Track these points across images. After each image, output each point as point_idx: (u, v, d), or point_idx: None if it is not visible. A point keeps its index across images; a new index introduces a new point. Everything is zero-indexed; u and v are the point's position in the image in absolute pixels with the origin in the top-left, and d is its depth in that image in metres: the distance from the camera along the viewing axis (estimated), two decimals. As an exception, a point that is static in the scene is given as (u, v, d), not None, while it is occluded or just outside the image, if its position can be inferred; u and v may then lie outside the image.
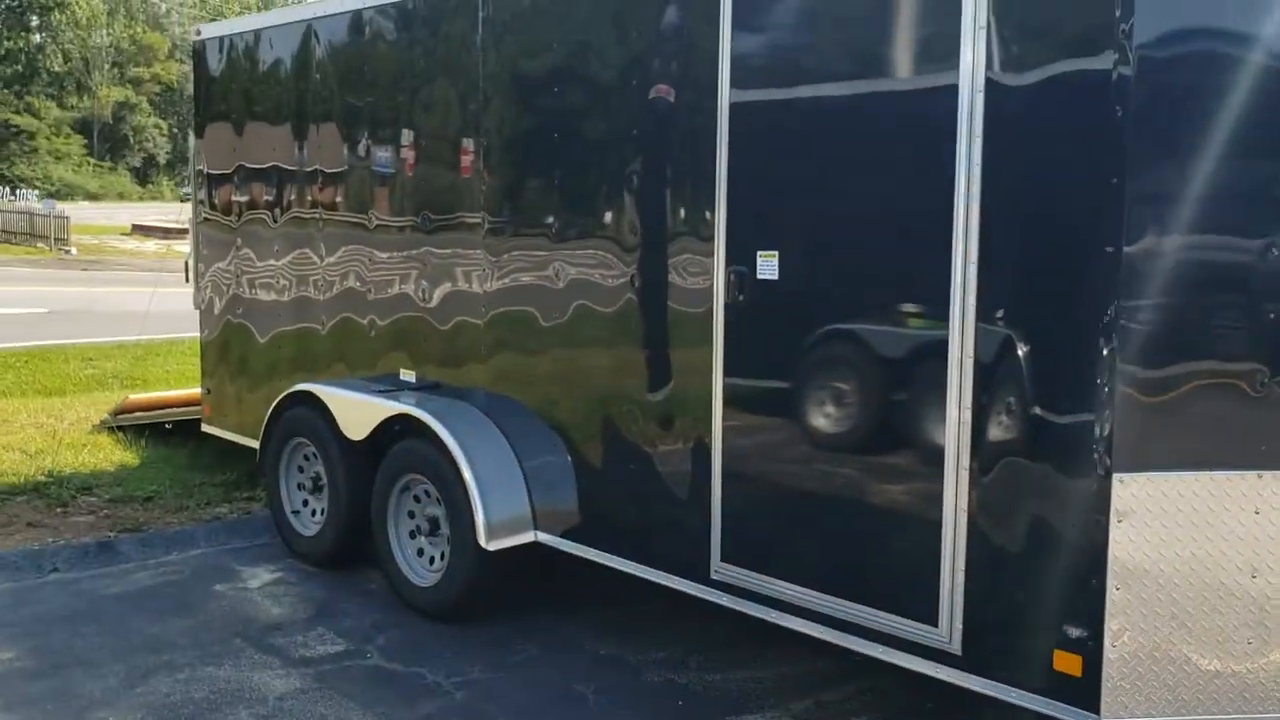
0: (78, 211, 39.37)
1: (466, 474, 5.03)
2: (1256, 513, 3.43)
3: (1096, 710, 3.43)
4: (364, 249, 5.98)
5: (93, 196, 55.43)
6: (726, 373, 4.33)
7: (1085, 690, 3.45)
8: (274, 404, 6.20)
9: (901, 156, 3.80)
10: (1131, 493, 3.37)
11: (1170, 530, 3.40)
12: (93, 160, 60.85)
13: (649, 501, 4.68)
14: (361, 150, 5.96)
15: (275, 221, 6.60)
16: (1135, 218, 3.32)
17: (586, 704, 4.57)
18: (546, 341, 5.05)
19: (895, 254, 3.85)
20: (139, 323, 12.30)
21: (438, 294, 5.56)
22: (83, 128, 61.34)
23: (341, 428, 5.72)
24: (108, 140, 63.74)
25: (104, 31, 63.21)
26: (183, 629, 5.22)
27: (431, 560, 5.39)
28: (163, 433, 8.37)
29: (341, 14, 6.04)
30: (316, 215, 6.29)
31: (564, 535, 5.01)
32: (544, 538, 5.07)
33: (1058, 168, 3.47)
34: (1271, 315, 3.39)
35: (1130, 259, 3.32)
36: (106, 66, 64.32)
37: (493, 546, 4.99)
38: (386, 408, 5.45)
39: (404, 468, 5.43)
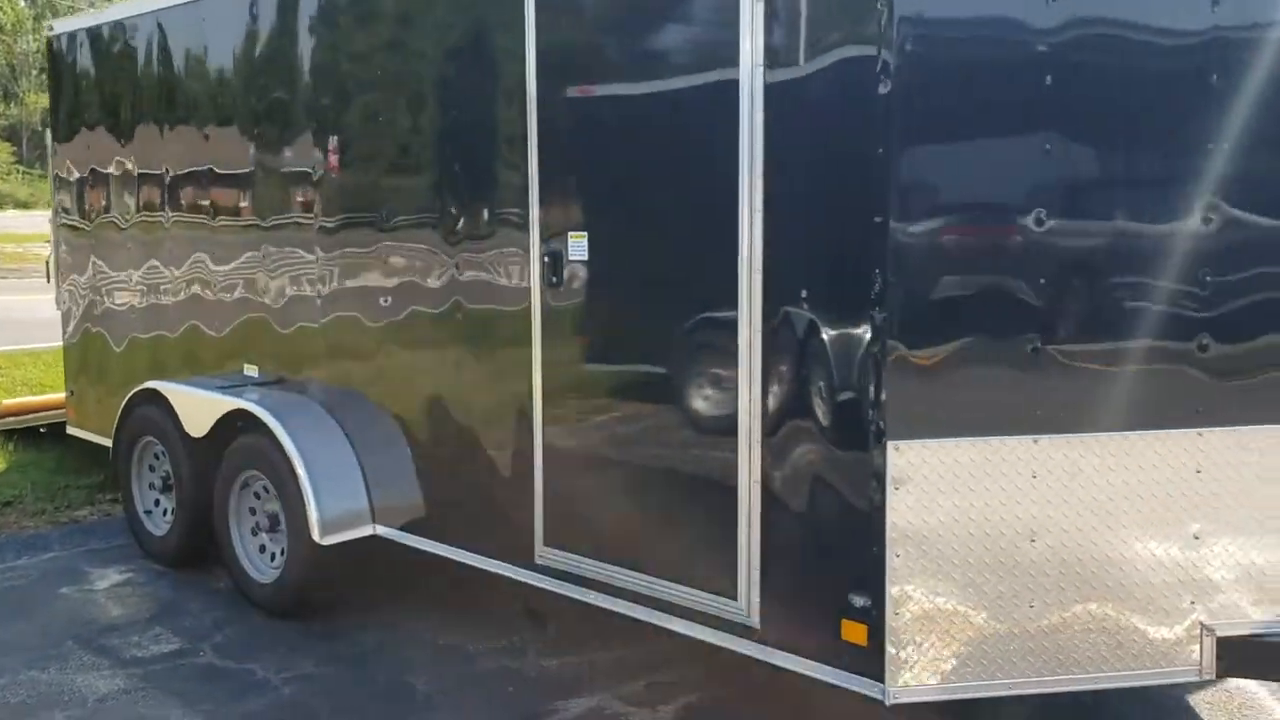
0: (5, 220, 38.59)
1: (299, 469, 4.97)
2: (1034, 477, 3.46)
3: (881, 679, 3.44)
4: (209, 249, 5.90)
5: (23, 205, 54.36)
6: (544, 358, 4.31)
7: (871, 659, 3.46)
8: (123, 403, 6.09)
9: (688, 143, 3.82)
10: (907, 460, 3.39)
11: (948, 497, 3.42)
12: (22, 168, 59.66)
13: (479, 490, 4.64)
14: (203, 149, 5.87)
15: (126, 224, 6.49)
16: (901, 189, 3.34)
17: (414, 695, 4.53)
18: (382, 336, 5.00)
19: (688, 237, 3.85)
20: (55, 329, 12.02)
21: (276, 292, 5.49)
22: (11, 135, 60.16)
23: (185, 425, 5.64)
24: (37, 148, 62.50)
25: (30, 38, 62.02)
26: (16, 633, 5.11)
27: (272, 556, 5.32)
28: (35, 437, 8.20)
29: (178, 6, 5.94)
30: (163, 217, 6.19)
31: (403, 528, 4.96)
32: (383, 531, 5.01)
33: (832, 147, 3.49)
34: (1042, 281, 3.42)
35: (896, 231, 3.34)
36: (34, 73, 63.13)
37: (327, 541, 4.93)
38: (225, 403, 5.37)
39: (243, 464, 5.36)
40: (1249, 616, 3.58)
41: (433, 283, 4.72)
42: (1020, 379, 3.43)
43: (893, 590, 3.41)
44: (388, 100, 4.88)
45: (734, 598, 3.77)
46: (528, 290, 4.32)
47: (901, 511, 3.40)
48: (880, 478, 3.40)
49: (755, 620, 3.74)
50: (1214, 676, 3.57)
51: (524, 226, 4.31)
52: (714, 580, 3.83)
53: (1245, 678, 4.20)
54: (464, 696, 4.51)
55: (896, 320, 3.36)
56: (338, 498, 4.99)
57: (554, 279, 4.23)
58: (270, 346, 5.59)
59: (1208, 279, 3.45)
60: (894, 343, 3.37)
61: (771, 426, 3.65)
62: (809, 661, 3.62)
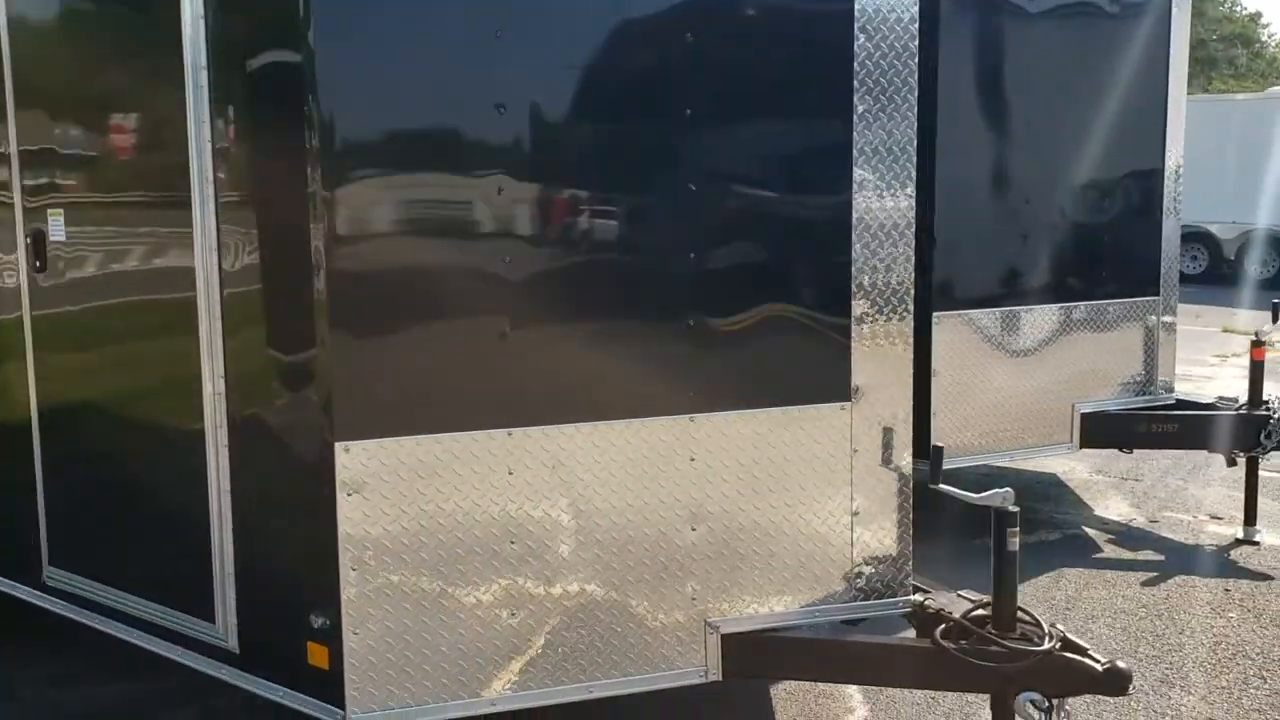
0: None
1: None
2: (510, 473, 3.16)
3: (342, 704, 3.10)
4: None
5: None
6: (35, 358, 3.83)
7: (333, 683, 3.11)
8: None
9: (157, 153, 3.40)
10: (360, 462, 3.04)
11: (412, 501, 3.08)
12: None
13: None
14: None
15: None
16: (332, 190, 2.96)
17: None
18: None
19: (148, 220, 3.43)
20: None
21: None
22: None
23: None
24: None
25: None
26: None
27: None
28: None
29: None
30: None
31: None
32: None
33: (272, 147, 3.11)
34: (507, 259, 3.10)
35: (330, 230, 2.95)
36: None
37: None
38: None
39: None
40: (756, 612, 3.37)
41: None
42: (485, 369, 3.11)
43: (350, 610, 3.06)
44: None
45: (212, 620, 3.38)
46: (16, 278, 3.82)
47: (356, 520, 3.05)
48: (331, 483, 3.03)
49: (234, 644, 3.35)
50: (720, 678, 3.35)
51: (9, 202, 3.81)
52: (195, 602, 3.43)
53: (752, 677, 3.98)
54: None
55: (341, 316, 2.99)
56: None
57: (38, 263, 3.74)
58: None
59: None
60: (338, 339, 2.99)
61: (236, 433, 3.26)
62: (281, 688, 3.25)
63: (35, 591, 3.97)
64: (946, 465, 3.41)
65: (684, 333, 3.23)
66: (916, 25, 3.34)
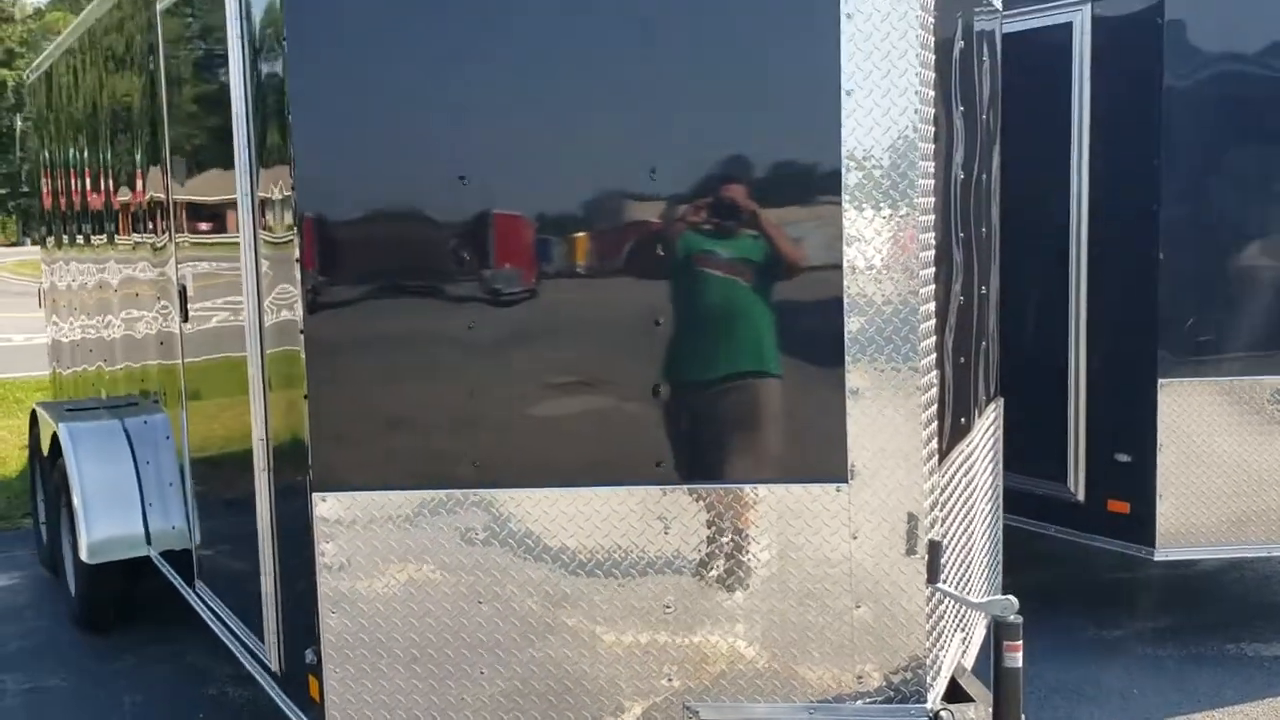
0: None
1: (75, 492, 5.27)
2: (480, 532, 3.18)
3: (341, 746, 3.27)
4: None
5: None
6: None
7: (323, 716, 3.30)
8: (28, 424, 6.67)
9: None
10: (337, 514, 3.20)
11: (385, 556, 3.20)
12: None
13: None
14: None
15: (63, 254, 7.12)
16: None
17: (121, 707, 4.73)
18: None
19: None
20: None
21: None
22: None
23: (41, 444, 6.10)
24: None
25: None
26: None
27: (78, 571, 5.67)
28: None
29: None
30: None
31: (164, 555, 5.15)
32: (158, 556, 5.21)
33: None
34: (471, 325, 3.14)
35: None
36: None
37: (91, 561, 5.19)
38: (50, 424, 5.78)
39: (60, 484, 5.74)
40: (737, 698, 3.14)
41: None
42: (456, 430, 3.17)
43: (330, 651, 3.23)
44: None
45: (263, 640, 3.70)
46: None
47: (334, 571, 3.22)
48: (311, 531, 3.23)
49: (276, 665, 3.65)
50: (696, 762, 3.16)
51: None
52: (250, 622, 3.79)
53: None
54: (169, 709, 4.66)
55: (314, 353, 3.18)
56: (107, 522, 5.23)
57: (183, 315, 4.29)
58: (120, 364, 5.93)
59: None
60: (318, 382, 3.19)
61: (274, 468, 3.55)
62: (299, 712, 3.50)
63: (192, 594, 4.56)
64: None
65: (651, 398, 3.09)
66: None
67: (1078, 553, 5.54)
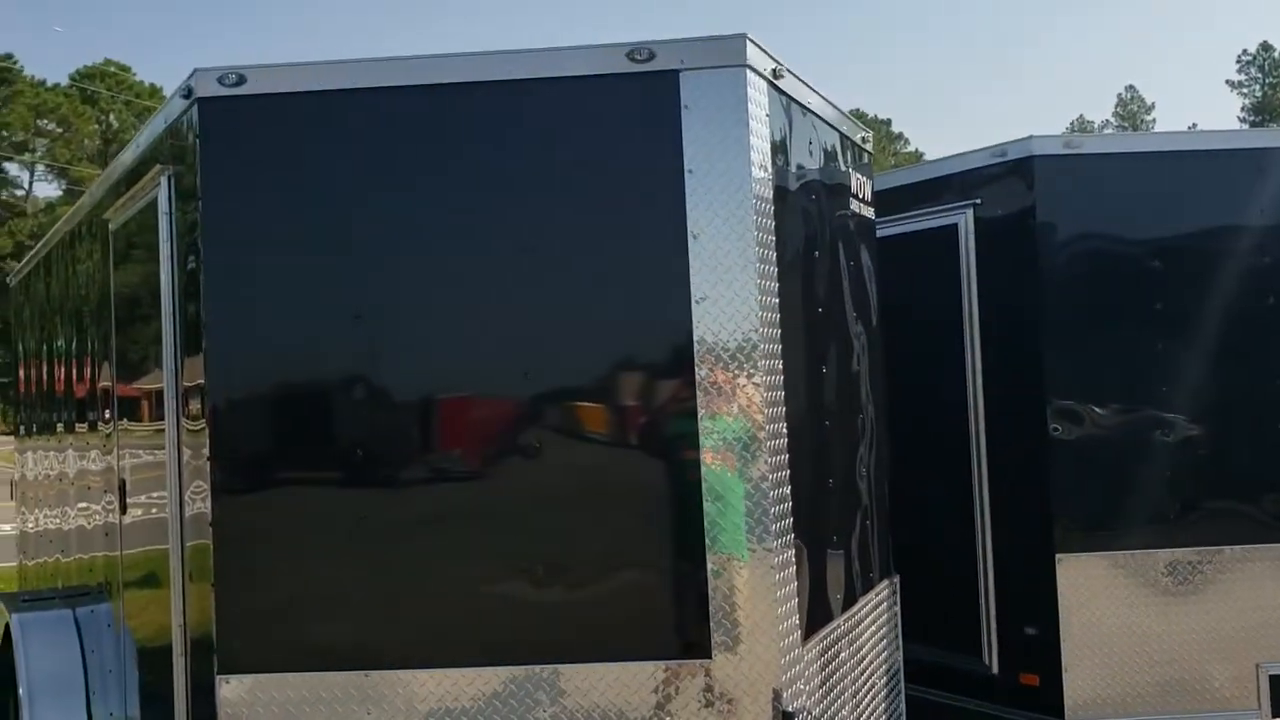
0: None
1: (21, 683, 5.41)
2: (369, 715, 3.37)
3: None
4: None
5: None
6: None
7: None
8: (-12, 616, 6.82)
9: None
10: (239, 695, 3.40)
11: (287, 739, 3.39)
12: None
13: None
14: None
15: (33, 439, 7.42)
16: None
17: None
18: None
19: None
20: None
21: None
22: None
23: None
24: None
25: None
26: None
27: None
28: None
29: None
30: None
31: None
32: (102, 745, 5.32)
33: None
34: (364, 517, 3.42)
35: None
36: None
37: (37, 751, 5.30)
38: (4, 614, 5.95)
39: (10, 676, 5.87)
40: None
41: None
42: (345, 614, 3.41)
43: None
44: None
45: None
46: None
47: (236, 752, 3.40)
48: (214, 710, 3.42)
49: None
50: None
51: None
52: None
53: None
54: None
55: (220, 537, 3.43)
56: (55, 713, 5.36)
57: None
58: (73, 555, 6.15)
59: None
60: (223, 571, 3.43)
61: (189, 653, 3.75)
62: None
63: None
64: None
65: (530, 576, 3.33)
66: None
67: (995, 728, 5.63)
